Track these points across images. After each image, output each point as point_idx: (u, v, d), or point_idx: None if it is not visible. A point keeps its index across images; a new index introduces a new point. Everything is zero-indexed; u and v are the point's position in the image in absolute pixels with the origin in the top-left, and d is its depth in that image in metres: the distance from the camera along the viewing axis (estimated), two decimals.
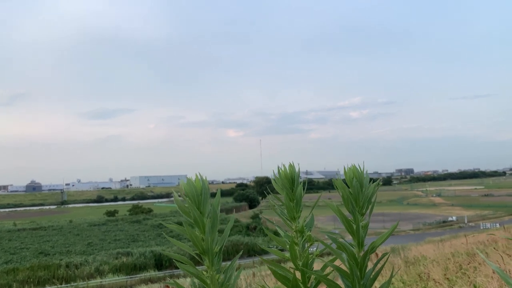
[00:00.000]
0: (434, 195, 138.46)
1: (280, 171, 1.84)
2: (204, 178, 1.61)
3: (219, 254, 1.54)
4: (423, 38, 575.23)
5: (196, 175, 1.63)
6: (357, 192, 1.63)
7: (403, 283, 5.34)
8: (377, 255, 23.19)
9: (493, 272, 4.51)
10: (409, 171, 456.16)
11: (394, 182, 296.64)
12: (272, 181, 1.89)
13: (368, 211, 1.66)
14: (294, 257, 1.69)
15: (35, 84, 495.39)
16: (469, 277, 4.65)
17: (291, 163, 1.85)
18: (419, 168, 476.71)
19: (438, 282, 4.62)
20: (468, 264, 5.53)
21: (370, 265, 1.59)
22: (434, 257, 9.43)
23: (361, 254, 1.58)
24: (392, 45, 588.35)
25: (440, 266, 5.76)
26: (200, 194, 1.56)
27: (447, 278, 4.64)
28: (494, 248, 7.08)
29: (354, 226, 1.61)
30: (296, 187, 1.82)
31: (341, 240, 1.60)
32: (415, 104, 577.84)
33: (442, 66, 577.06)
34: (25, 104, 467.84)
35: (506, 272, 4.48)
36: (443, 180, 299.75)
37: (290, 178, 1.82)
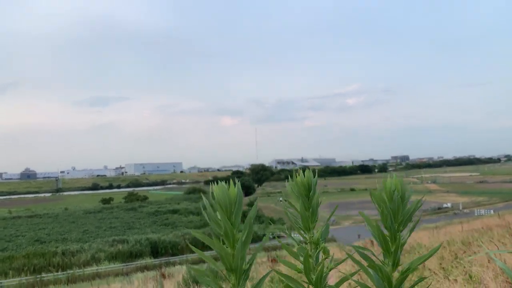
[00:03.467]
0: (429, 182, 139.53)
1: (296, 176, 1.61)
2: (238, 185, 1.36)
3: (247, 272, 1.34)
4: (421, 25, 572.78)
5: (231, 180, 1.38)
6: (397, 207, 1.43)
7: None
8: (372, 242, 22.90)
9: (488, 261, 4.48)
10: (405, 158, 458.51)
11: (390, 169, 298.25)
12: (288, 188, 1.67)
13: (407, 229, 1.46)
14: (307, 270, 1.47)
15: (28, 72, 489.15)
16: (464, 267, 4.62)
17: (308, 170, 1.64)
18: (415, 155, 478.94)
19: (434, 272, 4.59)
20: (464, 253, 5.50)
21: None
22: (429, 244, 9.44)
23: (394, 274, 1.40)
24: (390, 32, 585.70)
25: (436, 255, 5.73)
26: (234, 203, 1.34)
27: (443, 268, 4.60)
28: (490, 239, 7.08)
29: (392, 246, 1.40)
30: (313, 195, 1.59)
31: (373, 258, 1.41)
32: (411, 92, 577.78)
33: (439, 54, 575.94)
34: (19, 92, 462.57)
35: (503, 262, 4.44)
36: (439, 167, 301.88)
37: (307, 185, 1.59)
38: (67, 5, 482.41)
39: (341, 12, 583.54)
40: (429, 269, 4.76)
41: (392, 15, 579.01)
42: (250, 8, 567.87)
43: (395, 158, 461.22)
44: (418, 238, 17.55)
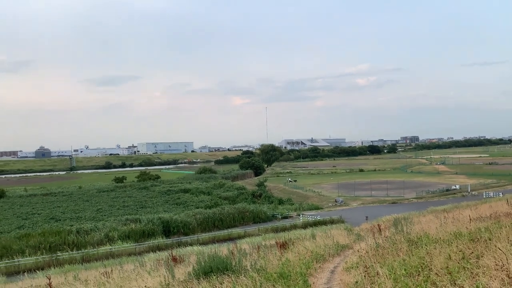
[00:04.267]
0: (438, 163, 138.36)
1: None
2: None
3: None
4: (433, 3, 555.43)
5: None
6: None
7: (405, 270, 5.45)
8: (379, 226, 23.22)
9: (496, 265, 4.60)
10: (414, 138, 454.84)
11: (399, 149, 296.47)
12: None
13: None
14: None
15: (41, 51, 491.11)
16: (471, 272, 4.74)
17: None
18: (424, 135, 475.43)
19: (440, 276, 4.72)
20: (471, 253, 5.61)
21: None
22: (436, 236, 9.56)
23: None
24: (401, 11, 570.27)
25: (442, 255, 5.87)
26: None
27: (449, 273, 4.72)
28: (498, 235, 7.17)
29: None
30: None
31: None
32: (423, 71, 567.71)
33: (452, 32, 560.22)
34: (32, 71, 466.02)
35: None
36: (448, 148, 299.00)
37: None
38: None
39: None
40: (436, 273, 4.88)
41: None
42: None
43: (404, 138, 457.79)
44: (426, 225, 17.65)
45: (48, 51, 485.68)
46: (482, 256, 5.31)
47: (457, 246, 6.43)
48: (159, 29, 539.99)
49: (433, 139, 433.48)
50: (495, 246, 5.51)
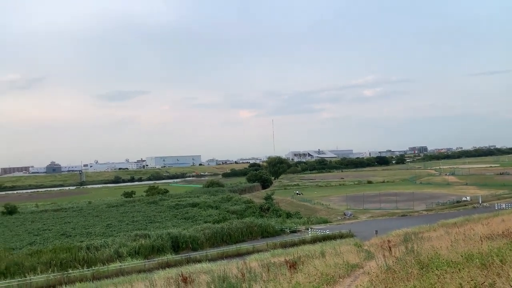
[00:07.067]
0: (448, 173, 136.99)
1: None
2: None
3: None
4: (439, 12, 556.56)
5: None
6: None
7: None
8: (389, 243, 23.02)
9: None
10: (423, 149, 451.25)
11: (407, 160, 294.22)
12: None
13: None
14: None
15: (51, 68, 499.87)
16: None
17: None
18: (433, 146, 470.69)
19: None
20: (483, 283, 5.63)
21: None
22: (447, 257, 9.56)
23: None
24: (406, 21, 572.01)
25: (454, 282, 5.90)
26: None
27: None
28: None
29: None
30: None
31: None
32: (430, 82, 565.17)
33: (457, 42, 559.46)
34: (43, 87, 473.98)
35: None
36: (458, 158, 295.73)
37: None
38: (88, 2, 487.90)
39: (356, 1, 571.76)
40: None
41: (409, 3, 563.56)
42: (266, 0, 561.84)
43: (413, 149, 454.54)
44: (437, 241, 17.53)
45: (59, 67, 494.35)
46: (494, 285, 5.34)
47: (468, 272, 6.46)
48: (167, 44, 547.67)
49: (441, 149, 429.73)
50: (508, 273, 5.54)
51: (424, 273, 7.39)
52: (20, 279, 28.19)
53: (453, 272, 7.00)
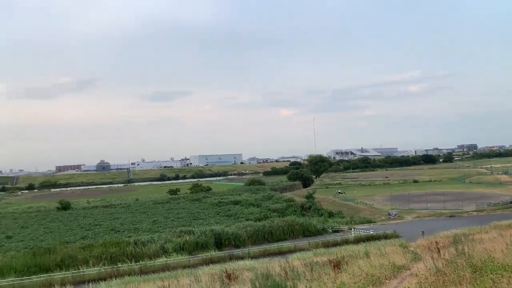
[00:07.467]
0: (500, 172, 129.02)
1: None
2: None
3: None
4: (487, 6, 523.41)
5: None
6: None
7: None
8: (437, 244, 22.17)
9: None
10: (472, 146, 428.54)
11: (456, 158, 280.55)
12: None
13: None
14: None
15: (100, 71, 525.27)
16: None
17: None
18: (483, 143, 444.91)
19: None
20: None
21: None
22: (503, 261, 9.09)
23: None
24: (454, 13, 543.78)
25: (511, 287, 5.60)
26: None
27: None
28: None
29: None
30: None
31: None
32: (476, 77, 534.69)
33: (504, 35, 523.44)
34: (92, 90, 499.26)
35: None
36: (511, 156, 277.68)
37: None
38: (133, 6, 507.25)
39: None
40: None
41: None
42: None
43: (461, 147, 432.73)
44: (489, 243, 16.66)
45: (106, 70, 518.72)
46: None
47: None
48: (208, 45, 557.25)
49: (493, 147, 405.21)
50: None
51: (478, 277, 7.09)
52: (74, 271, 29.92)
53: (509, 276, 6.67)
